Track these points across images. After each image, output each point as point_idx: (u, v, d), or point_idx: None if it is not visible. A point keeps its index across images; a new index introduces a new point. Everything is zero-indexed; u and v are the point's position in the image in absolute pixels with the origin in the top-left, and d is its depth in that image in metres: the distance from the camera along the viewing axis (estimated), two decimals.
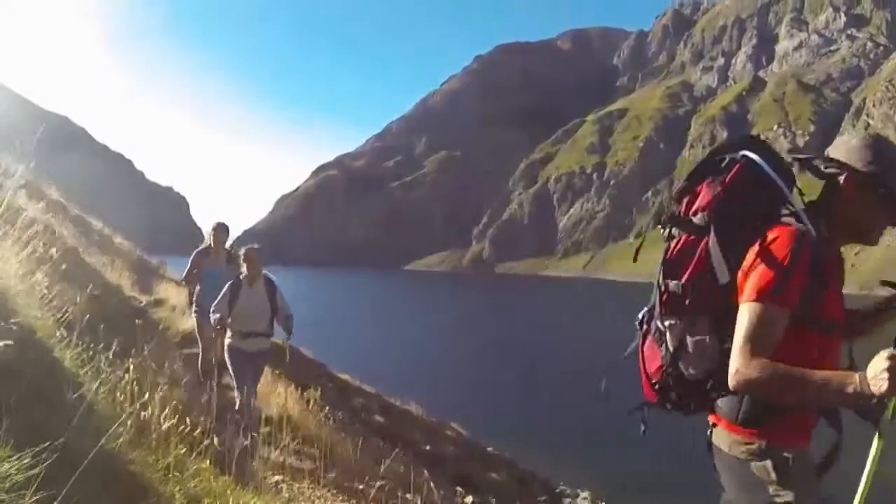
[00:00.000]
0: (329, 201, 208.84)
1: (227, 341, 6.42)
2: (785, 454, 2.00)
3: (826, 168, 2.30)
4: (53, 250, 4.22)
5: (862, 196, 2.11)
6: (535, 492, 11.61)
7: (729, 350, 1.90)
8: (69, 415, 2.32)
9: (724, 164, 2.21)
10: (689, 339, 2.11)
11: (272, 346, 7.05)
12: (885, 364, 1.72)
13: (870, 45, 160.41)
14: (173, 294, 12.28)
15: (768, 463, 1.98)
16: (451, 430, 13.47)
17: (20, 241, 3.41)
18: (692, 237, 2.15)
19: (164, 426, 3.03)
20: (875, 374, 1.75)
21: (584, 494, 13.07)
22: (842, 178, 2.20)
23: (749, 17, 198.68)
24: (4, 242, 3.28)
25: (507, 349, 41.15)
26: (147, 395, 3.26)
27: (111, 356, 3.54)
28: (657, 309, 2.24)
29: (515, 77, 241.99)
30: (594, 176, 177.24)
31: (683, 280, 2.14)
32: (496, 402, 26.22)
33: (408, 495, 5.25)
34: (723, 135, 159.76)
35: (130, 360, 3.57)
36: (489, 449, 13.27)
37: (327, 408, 7.76)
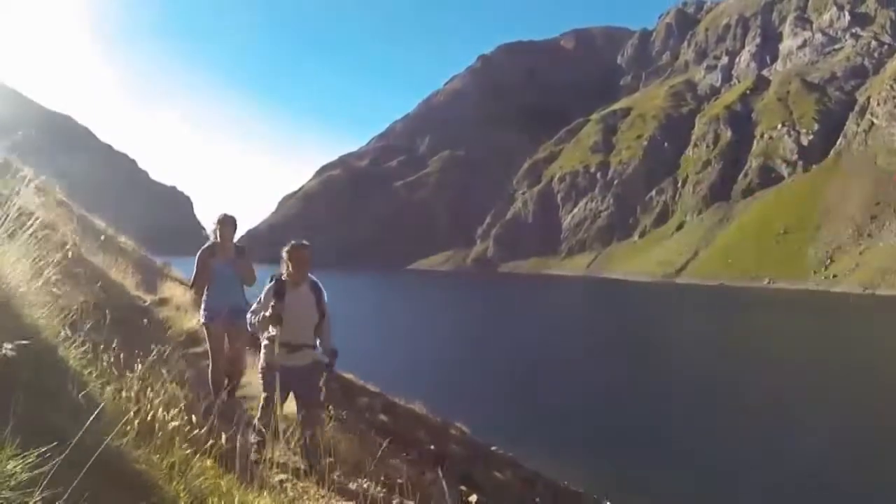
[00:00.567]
0: (332, 201, 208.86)
1: (263, 355, 5.42)
2: None
3: None
4: (58, 250, 4.23)
5: None
6: (540, 491, 11.60)
7: None
8: (74, 414, 2.32)
9: None
10: None
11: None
12: None
13: (874, 43, 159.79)
14: (177, 293, 12.31)
15: None
16: (455, 429, 13.48)
17: (26, 242, 3.42)
18: None
19: (171, 425, 3.04)
20: None
21: (589, 493, 13.07)
22: None
23: (753, 16, 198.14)
24: (11, 243, 3.29)
25: (510, 348, 41.16)
26: (151, 394, 3.27)
27: (116, 355, 3.55)
28: None
29: (519, 76, 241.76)
30: (598, 175, 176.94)
31: None
32: (500, 401, 26.23)
33: (412, 494, 5.25)
34: (727, 134, 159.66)
35: (135, 359, 3.58)
36: (493, 448, 13.27)
37: (330, 407, 7.74)
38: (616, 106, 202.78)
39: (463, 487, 8.01)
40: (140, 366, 3.58)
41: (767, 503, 15.93)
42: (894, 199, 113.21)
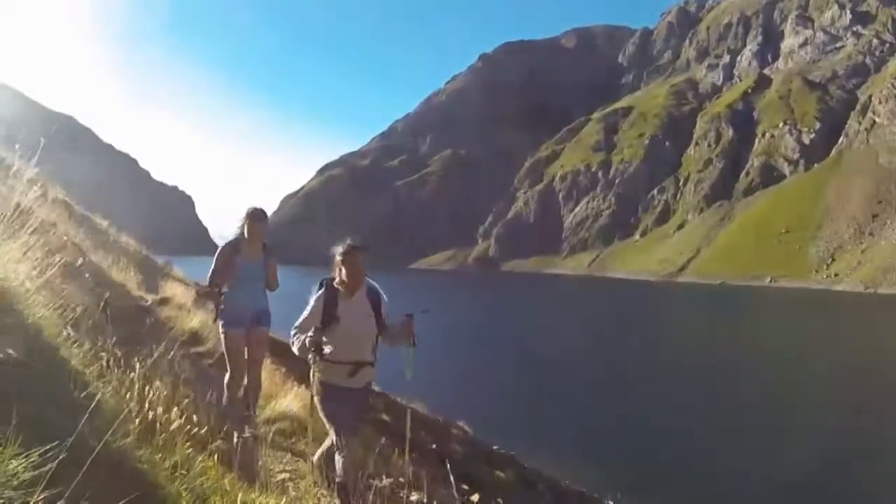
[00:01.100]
0: (334, 200, 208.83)
1: (317, 376, 4.55)
2: None
3: None
4: (60, 250, 4.23)
5: None
6: (541, 490, 11.61)
7: None
8: (76, 413, 2.33)
9: None
10: None
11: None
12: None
13: (875, 42, 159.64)
14: (179, 293, 12.30)
15: None
16: (456, 428, 13.49)
17: (28, 241, 3.42)
18: None
19: (173, 425, 3.04)
20: None
21: (590, 492, 13.07)
22: None
23: (754, 15, 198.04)
24: (13, 242, 3.29)
25: (512, 347, 41.18)
26: (153, 394, 3.27)
27: (117, 355, 3.55)
28: None
29: (520, 75, 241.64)
30: (599, 174, 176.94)
31: None
32: (501, 400, 26.23)
33: (413, 493, 5.25)
34: (728, 133, 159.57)
35: (137, 358, 3.59)
36: (495, 447, 13.27)
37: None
38: (617, 105, 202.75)
39: (465, 486, 8.01)
40: (141, 365, 3.58)
41: (767, 502, 15.92)
42: (895, 197, 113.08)
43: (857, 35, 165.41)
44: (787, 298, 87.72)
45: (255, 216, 6.23)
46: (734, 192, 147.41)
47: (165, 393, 3.40)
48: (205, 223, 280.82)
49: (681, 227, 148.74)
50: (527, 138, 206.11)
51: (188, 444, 3.06)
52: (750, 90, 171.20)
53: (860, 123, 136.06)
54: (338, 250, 4.65)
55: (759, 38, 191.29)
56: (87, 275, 7.54)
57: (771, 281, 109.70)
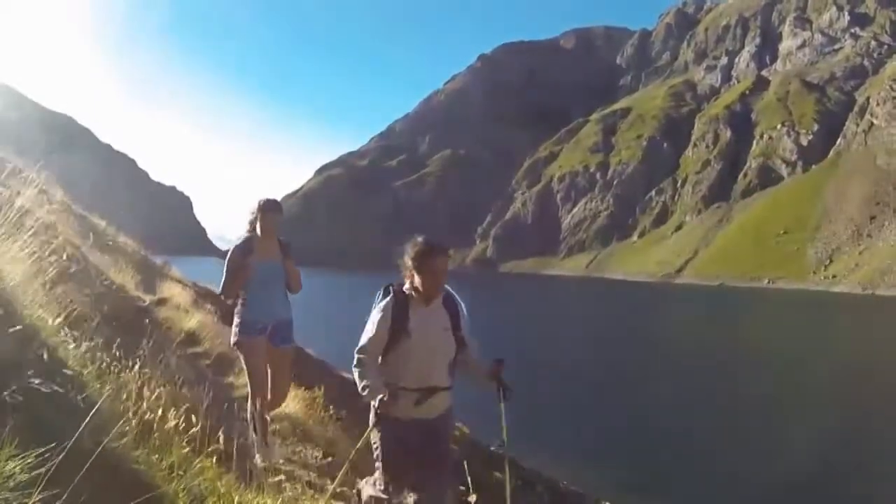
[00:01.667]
0: (332, 201, 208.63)
1: (377, 407, 3.63)
2: None
3: None
4: (58, 250, 4.23)
5: None
6: (539, 491, 11.61)
7: None
8: (73, 414, 2.32)
9: None
10: None
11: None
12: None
13: (874, 43, 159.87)
14: (177, 293, 12.30)
15: None
16: (454, 429, 13.47)
17: (26, 242, 3.42)
18: None
19: (170, 425, 3.04)
20: None
21: (588, 494, 13.06)
22: None
23: (752, 16, 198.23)
24: (11, 243, 3.29)
25: (509, 348, 41.14)
26: (151, 394, 3.27)
27: (115, 355, 3.55)
28: None
29: (519, 76, 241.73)
30: (597, 175, 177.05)
31: None
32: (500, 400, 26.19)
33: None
34: (726, 134, 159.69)
35: (134, 359, 3.59)
36: (492, 448, 13.27)
37: (331, 407, 7.73)
38: (616, 106, 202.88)
39: (462, 487, 8.01)
40: (139, 366, 3.58)
41: (766, 502, 15.94)
42: (894, 199, 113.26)
43: (856, 37, 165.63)
44: (786, 300, 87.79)
45: (270, 207, 5.41)
46: (732, 193, 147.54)
47: (163, 393, 3.40)
48: (203, 223, 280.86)
49: (679, 228, 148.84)
50: (525, 139, 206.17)
51: (186, 444, 3.06)
52: (748, 92, 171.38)
53: (858, 125, 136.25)
54: (412, 252, 3.80)
55: (758, 40, 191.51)
56: (85, 275, 7.53)
57: (769, 282, 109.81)
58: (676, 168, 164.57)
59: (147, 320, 8.01)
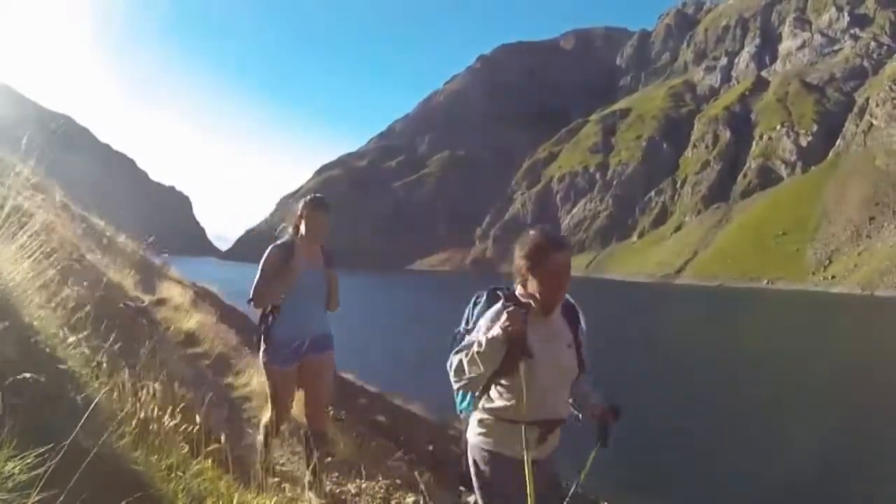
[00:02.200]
0: (332, 201, 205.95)
1: (478, 439, 3.00)
2: None
3: None
4: (57, 250, 4.22)
5: None
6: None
7: None
8: (72, 414, 2.32)
9: None
10: None
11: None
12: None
13: (873, 44, 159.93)
14: (176, 293, 12.31)
15: None
16: (454, 429, 13.46)
17: (25, 242, 3.42)
18: None
19: (168, 425, 3.04)
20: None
21: (587, 494, 13.05)
22: None
23: (752, 17, 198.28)
24: (10, 243, 3.29)
25: None
26: (149, 395, 3.27)
27: (114, 355, 3.55)
28: None
29: (518, 77, 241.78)
30: (597, 176, 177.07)
31: None
32: None
33: (410, 495, 5.25)
34: (726, 135, 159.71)
35: (133, 359, 3.59)
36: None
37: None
38: (615, 106, 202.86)
39: (461, 488, 8.01)
40: (138, 366, 3.58)
41: (766, 502, 15.94)
42: (893, 200, 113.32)
43: (855, 38, 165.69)
44: (785, 300, 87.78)
45: (319, 205, 4.77)
46: (732, 194, 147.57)
47: (161, 393, 3.40)
48: (202, 223, 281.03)
49: (678, 228, 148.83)
50: (524, 139, 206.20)
51: (184, 444, 3.06)
52: (747, 92, 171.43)
53: (857, 126, 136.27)
54: (526, 248, 3.02)
55: (757, 41, 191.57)
56: (84, 275, 7.53)
57: (768, 283, 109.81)
58: (676, 169, 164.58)
59: (146, 320, 8.01)
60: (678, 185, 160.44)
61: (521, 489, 2.76)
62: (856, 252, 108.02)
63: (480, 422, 2.99)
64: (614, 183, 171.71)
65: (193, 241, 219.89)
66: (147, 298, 11.45)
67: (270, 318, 4.44)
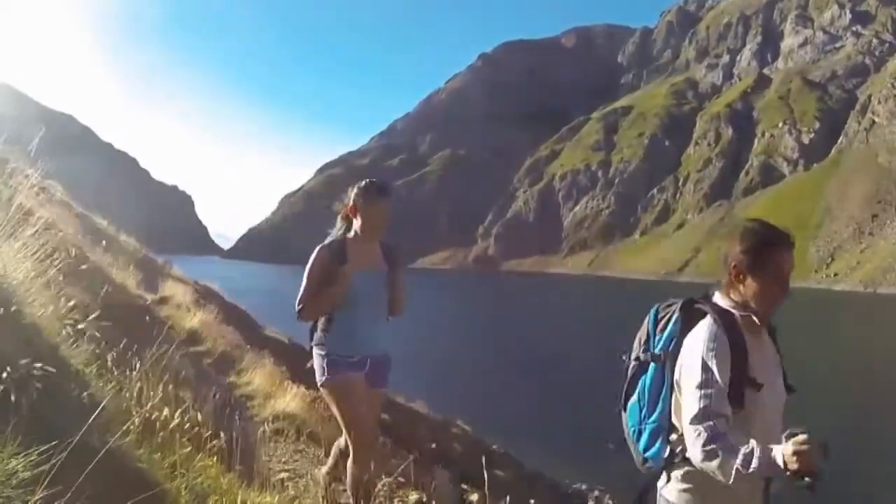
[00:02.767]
0: (333, 200, 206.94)
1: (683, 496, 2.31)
2: None
3: None
4: (60, 249, 4.24)
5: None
6: (541, 490, 11.61)
7: None
8: (76, 413, 2.33)
9: None
10: None
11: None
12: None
13: (875, 42, 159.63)
14: (178, 292, 12.32)
15: None
16: (456, 427, 13.49)
17: (28, 241, 3.43)
18: None
19: (172, 424, 3.04)
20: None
21: (591, 493, 13.08)
22: None
23: (754, 14, 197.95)
24: (13, 242, 3.30)
25: (512, 347, 41.16)
26: (152, 393, 3.28)
27: (117, 354, 3.56)
28: None
29: (520, 75, 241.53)
30: (599, 173, 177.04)
31: None
32: (501, 399, 26.22)
33: (412, 493, 5.25)
34: (728, 132, 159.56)
35: (136, 358, 3.59)
36: (494, 447, 13.27)
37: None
38: (617, 104, 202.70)
39: (464, 486, 8.02)
40: (141, 364, 3.59)
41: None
42: (895, 197, 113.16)
43: (857, 35, 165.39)
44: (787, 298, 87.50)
45: (381, 190, 3.73)
46: (734, 191, 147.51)
47: (164, 391, 3.40)
48: (205, 222, 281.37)
49: (680, 226, 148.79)
50: (526, 138, 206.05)
51: (188, 443, 3.07)
52: (749, 90, 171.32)
53: (860, 123, 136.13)
54: (755, 243, 2.39)
55: (759, 38, 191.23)
56: (87, 274, 7.53)
57: None
58: (678, 166, 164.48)
59: (148, 319, 8.01)
60: (680, 183, 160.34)
61: None
62: (858, 249, 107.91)
63: (686, 476, 2.30)
64: (616, 181, 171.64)
65: (196, 240, 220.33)
66: (150, 297, 11.47)
67: (320, 331, 3.72)
